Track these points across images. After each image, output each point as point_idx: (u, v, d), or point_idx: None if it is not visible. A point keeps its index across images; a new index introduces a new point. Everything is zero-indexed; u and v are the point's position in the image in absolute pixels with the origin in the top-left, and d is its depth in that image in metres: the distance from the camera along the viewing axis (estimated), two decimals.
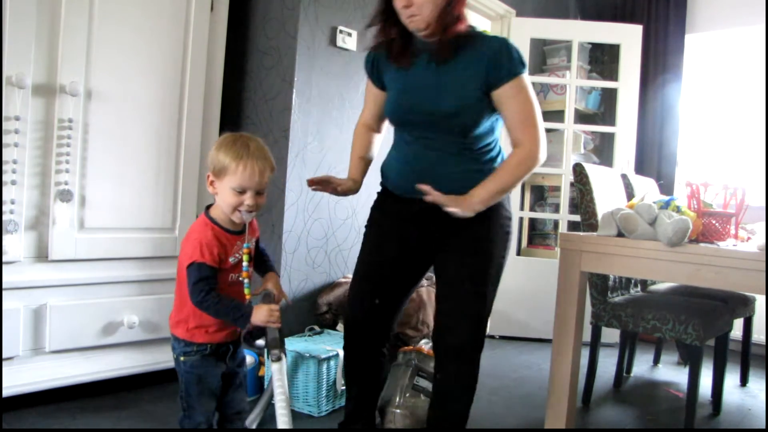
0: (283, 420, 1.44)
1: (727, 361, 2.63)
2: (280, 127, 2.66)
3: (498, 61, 1.57)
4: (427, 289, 2.77)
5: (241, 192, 1.46)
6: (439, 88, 1.61)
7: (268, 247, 2.66)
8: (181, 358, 1.55)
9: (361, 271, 1.80)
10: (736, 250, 1.77)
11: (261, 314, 1.48)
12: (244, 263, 1.52)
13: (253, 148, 1.48)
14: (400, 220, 1.74)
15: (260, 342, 1.63)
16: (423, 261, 1.79)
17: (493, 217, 1.67)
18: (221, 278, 1.50)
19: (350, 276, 2.85)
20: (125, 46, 2.26)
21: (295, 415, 2.24)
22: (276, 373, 1.48)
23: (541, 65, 4.22)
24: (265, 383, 2.35)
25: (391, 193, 1.77)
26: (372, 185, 1.92)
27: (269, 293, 1.57)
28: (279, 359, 1.49)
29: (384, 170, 1.80)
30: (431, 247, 1.73)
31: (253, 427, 2.04)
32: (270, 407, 2.03)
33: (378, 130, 1.90)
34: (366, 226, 1.87)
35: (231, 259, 1.51)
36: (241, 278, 1.53)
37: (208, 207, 1.56)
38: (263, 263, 1.66)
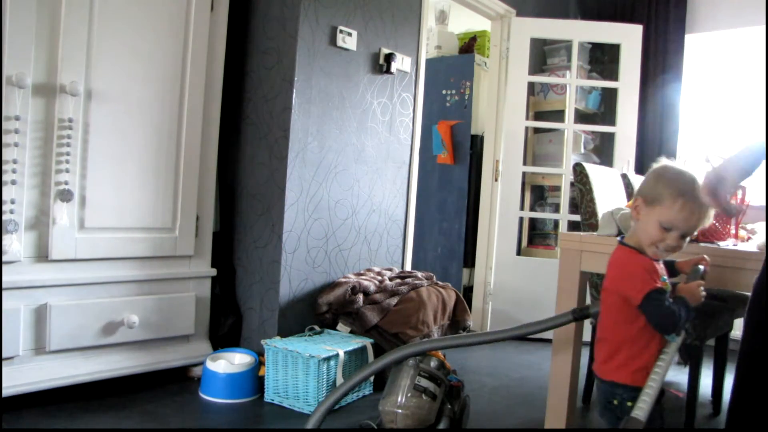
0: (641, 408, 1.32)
1: (727, 361, 2.63)
2: (280, 127, 2.66)
3: None
4: (427, 289, 2.77)
5: (667, 229, 1.39)
6: None
7: (268, 247, 2.68)
8: (628, 403, 1.41)
9: None
10: (736, 249, 1.77)
11: (695, 293, 1.41)
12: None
13: (697, 190, 1.37)
14: None
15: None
16: None
17: None
18: None
19: (350, 276, 2.85)
20: (125, 46, 2.26)
21: (294, 414, 2.25)
22: (673, 347, 1.40)
23: (541, 65, 4.22)
24: (266, 383, 2.35)
25: None
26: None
27: (698, 270, 1.49)
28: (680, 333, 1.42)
29: None
30: None
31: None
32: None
33: None
34: None
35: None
36: None
37: (622, 238, 1.51)
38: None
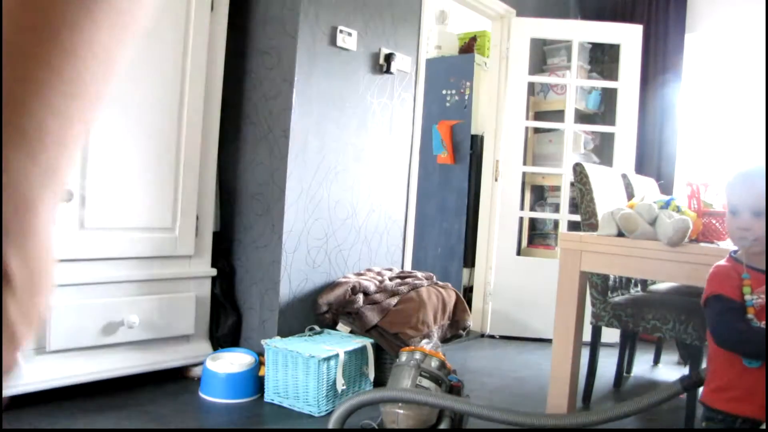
0: None
1: None
2: (280, 127, 2.66)
3: None
4: (427, 289, 2.77)
5: (734, 213, 1.34)
6: None
7: (268, 247, 2.68)
8: (703, 424, 1.38)
9: None
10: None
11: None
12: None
13: (744, 174, 1.38)
14: None
15: None
16: None
17: None
18: None
19: (350, 276, 2.85)
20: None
21: (294, 414, 2.25)
22: None
23: (541, 65, 4.22)
24: (266, 383, 2.35)
25: None
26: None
27: None
28: None
29: None
30: None
31: None
32: None
33: None
34: None
35: (748, 299, 1.31)
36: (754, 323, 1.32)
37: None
38: None
